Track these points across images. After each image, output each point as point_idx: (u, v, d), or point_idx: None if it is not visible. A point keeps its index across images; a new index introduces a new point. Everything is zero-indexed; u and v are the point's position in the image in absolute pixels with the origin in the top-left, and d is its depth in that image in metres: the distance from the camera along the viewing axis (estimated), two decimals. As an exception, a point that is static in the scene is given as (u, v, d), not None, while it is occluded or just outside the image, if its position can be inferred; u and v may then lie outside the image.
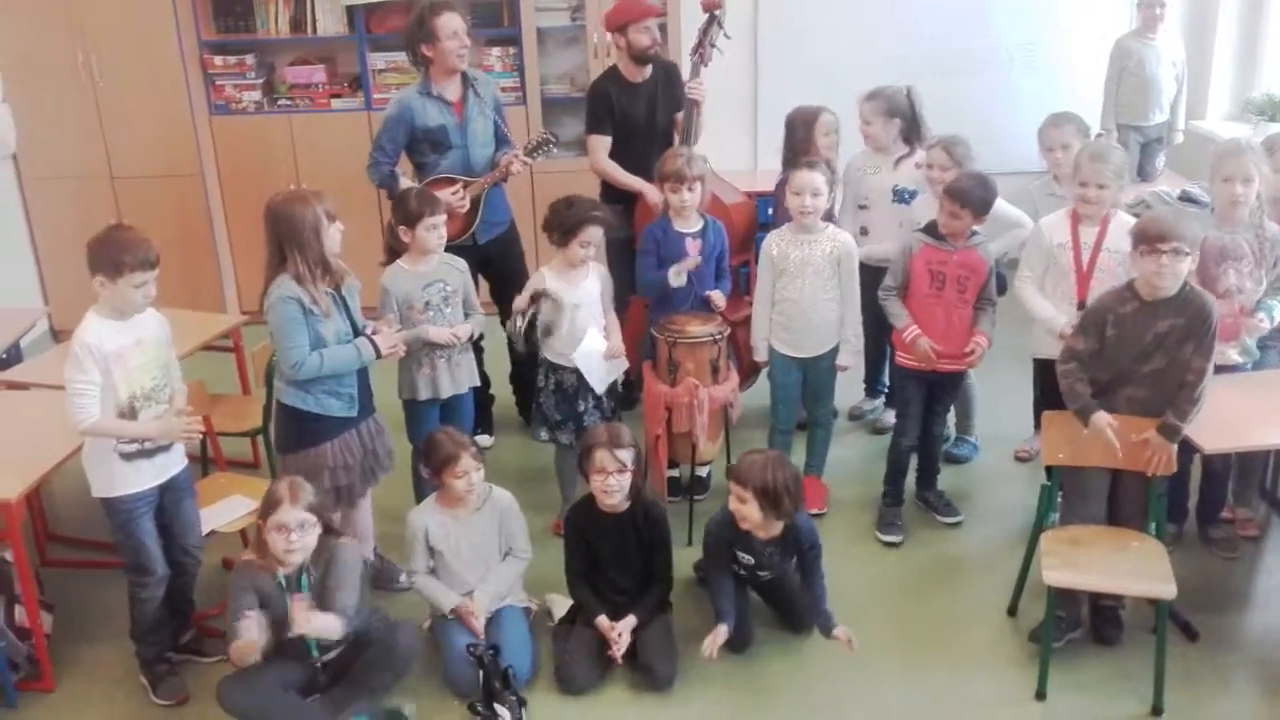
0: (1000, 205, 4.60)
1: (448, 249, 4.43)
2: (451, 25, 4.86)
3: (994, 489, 4.95)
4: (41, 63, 6.34)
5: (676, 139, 5.20)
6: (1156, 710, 3.62)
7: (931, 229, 4.41)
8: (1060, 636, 3.87)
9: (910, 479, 4.74)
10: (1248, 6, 6.92)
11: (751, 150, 7.14)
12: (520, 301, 4.42)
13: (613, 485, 3.84)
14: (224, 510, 4.11)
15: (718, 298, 4.66)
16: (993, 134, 6.06)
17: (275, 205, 3.75)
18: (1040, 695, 3.71)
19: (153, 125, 6.52)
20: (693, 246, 4.58)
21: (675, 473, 4.84)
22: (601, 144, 5.19)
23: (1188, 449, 3.87)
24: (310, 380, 3.80)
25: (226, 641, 3.51)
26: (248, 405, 4.92)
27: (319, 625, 3.48)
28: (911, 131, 5.01)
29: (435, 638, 3.95)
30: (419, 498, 4.28)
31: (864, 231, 5.02)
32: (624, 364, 4.57)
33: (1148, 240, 3.60)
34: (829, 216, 4.70)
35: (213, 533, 4.02)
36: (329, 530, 3.58)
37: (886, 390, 5.49)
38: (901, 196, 4.97)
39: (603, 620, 3.85)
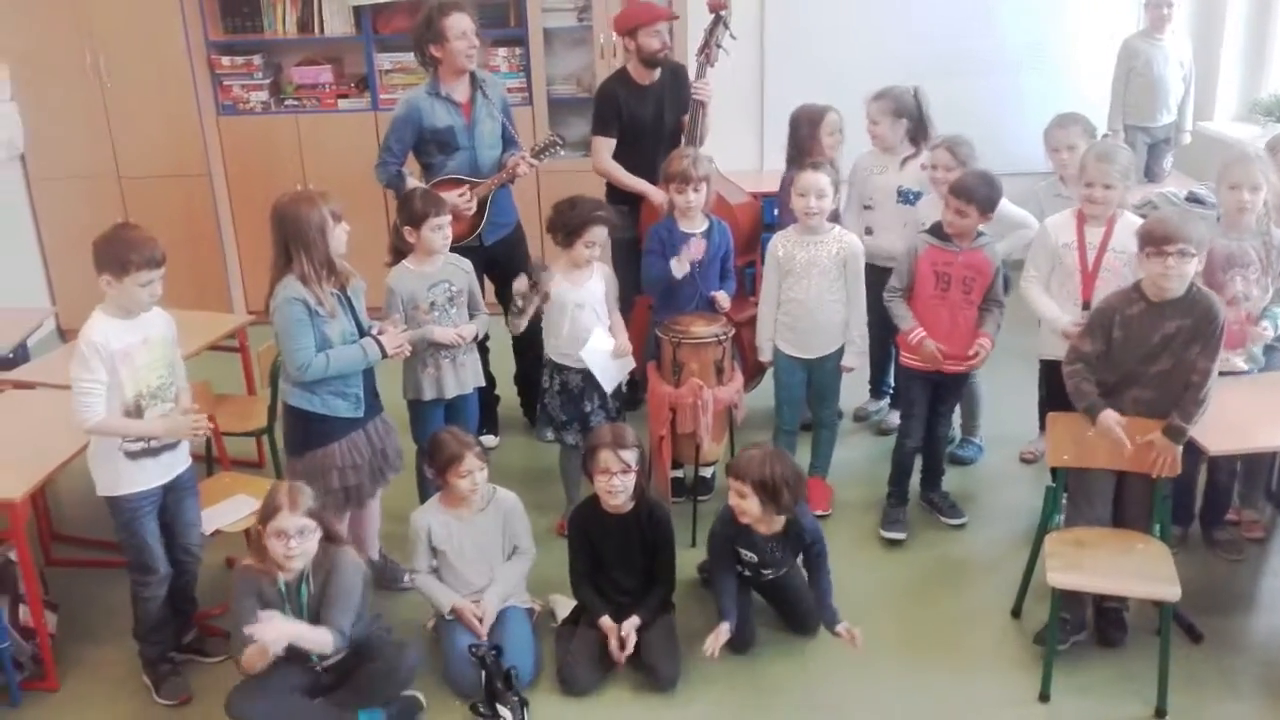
0: (1006, 206, 4.60)
1: (455, 250, 4.44)
2: (460, 25, 4.86)
3: (999, 490, 4.94)
4: (49, 63, 6.37)
5: (684, 141, 5.20)
6: (1160, 712, 3.61)
7: (937, 230, 4.41)
8: (1065, 639, 3.86)
9: (915, 480, 4.74)
10: (1255, 7, 6.90)
11: (758, 151, 7.14)
12: (520, 284, 4.40)
13: (617, 486, 3.84)
14: (228, 510, 4.12)
15: (723, 298, 4.66)
16: (1000, 135, 6.06)
17: (281, 206, 3.75)
18: (1044, 697, 3.70)
19: (160, 125, 6.54)
20: (698, 247, 4.58)
21: (679, 473, 4.83)
22: (605, 145, 5.20)
23: (1195, 451, 3.86)
24: (316, 381, 3.80)
25: (233, 651, 3.48)
26: (253, 405, 4.93)
27: (312, 641, 3.44)
28: (918, 132, 5.00)
29: (438, 638, 3.96)
30: (423, 498, 4.29)
31: (869, 232, 5.01)
32: (631, 363, 4.57)
33: (1154, 242, 3.59)
34: (834, 217, 4.69)
35: (217, 532, 4.03)
36: (330, 537, 3.55)
37: (891, 391, 5.48)
38: (907, 197, 4.97)
39: (606, 621, 3.84)
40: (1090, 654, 3.89)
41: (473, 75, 5.02)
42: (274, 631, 3.35)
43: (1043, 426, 4.48)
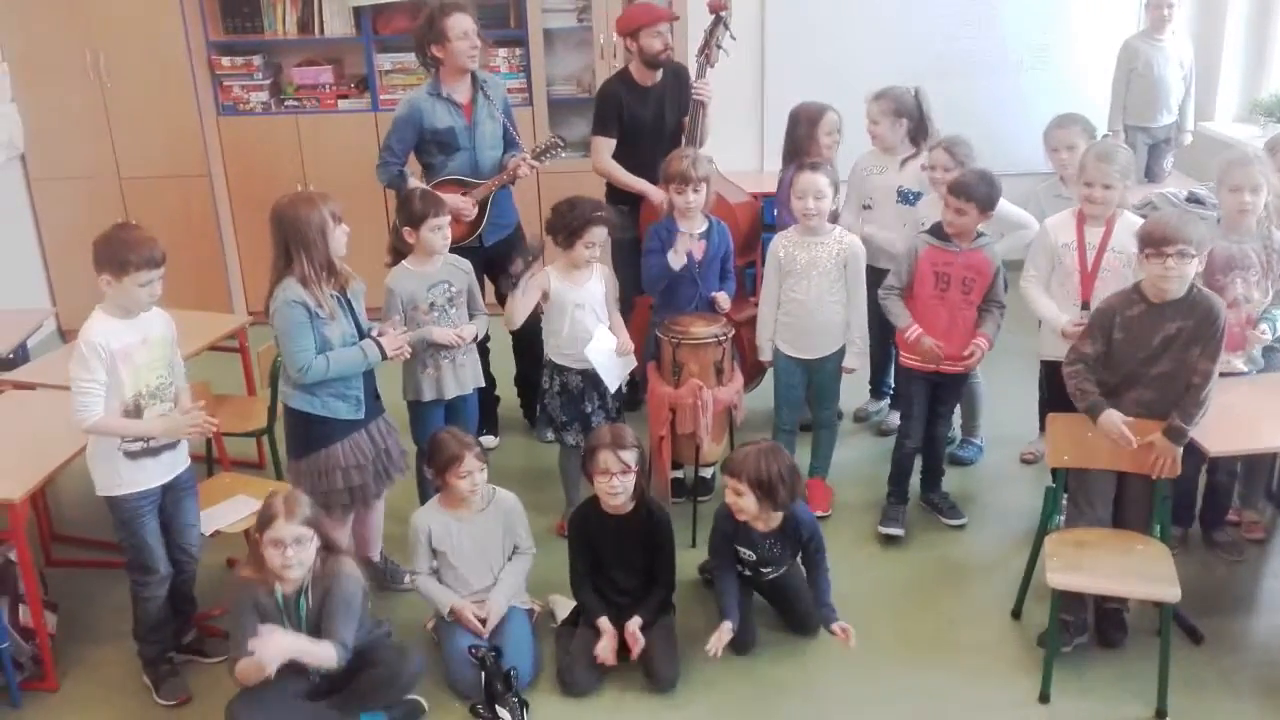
0: (1005, 206, 4.60)
1: (455, 251, 4.44)
2: (462, 26, 4.86)
3: (999, 491, 4.94)
4: (49, 63, 6.36)
5: (684, 141, 5.20)
6: (1160, 713, 3.61)
7: (937, 230, 4.41)
8: (1068, 641, 3.86)
9: (915, 481, 4.74)
10: (1256, 8, 6.90)
11: (758, 151, 7.13)
12: (516, 266, 4.39)
13: (616, 486, 3.84)
14: (228, 510, 4.11)
15: (723, 299, 4.66)
16: (1000, 135, 6.07)
17: (281, 207, 3.75)
18: (1044, 698, 3.70)
19: (160, 126, 6.53)
20: (697, 248, 4.58)
21: (679, 474, 4.84)
22: (605, 146, 5.20)
23: (1195, 453, 3.85)
24: (316, 383, 3.80)
25: (231, 660, 3.43)
26: (253, 406, 4.92)
27: (315, 655, 3.40)
28: (919, 132, 5.00)
29: (437, 638, 3.96)
30: (423, 498, 4.28)
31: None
32: (633, 361, 4.57)
33: (1153, 243, 3.59)
34: (834, 218, 4.69)
35: (217, 533, 4.02)
36: (328, 547, 3.50)
37: (891, 392, 5.48)
38: (906, 197, 4.97)
39: (604, 623, 3.84)
40: (1090, 655, 3.89)
41: (474, 76, 5.02)
42: (274, 647, 3.31)
43: (1043, 427, 4.48)
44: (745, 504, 3.76)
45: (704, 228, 4.64)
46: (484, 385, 4.64)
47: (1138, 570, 3.66)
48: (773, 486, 3.70)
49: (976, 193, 4.27)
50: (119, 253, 3.46)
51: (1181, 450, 3.72)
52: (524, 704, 3.68)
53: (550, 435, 4.57)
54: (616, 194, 5.22)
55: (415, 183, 4.98)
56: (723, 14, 5.22)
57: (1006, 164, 4.98)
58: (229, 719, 3.45)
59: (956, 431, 5.13)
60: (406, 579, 4.16)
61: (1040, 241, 4.39)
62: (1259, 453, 4.32)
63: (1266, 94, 6.80)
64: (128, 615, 3.85)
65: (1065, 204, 4.53)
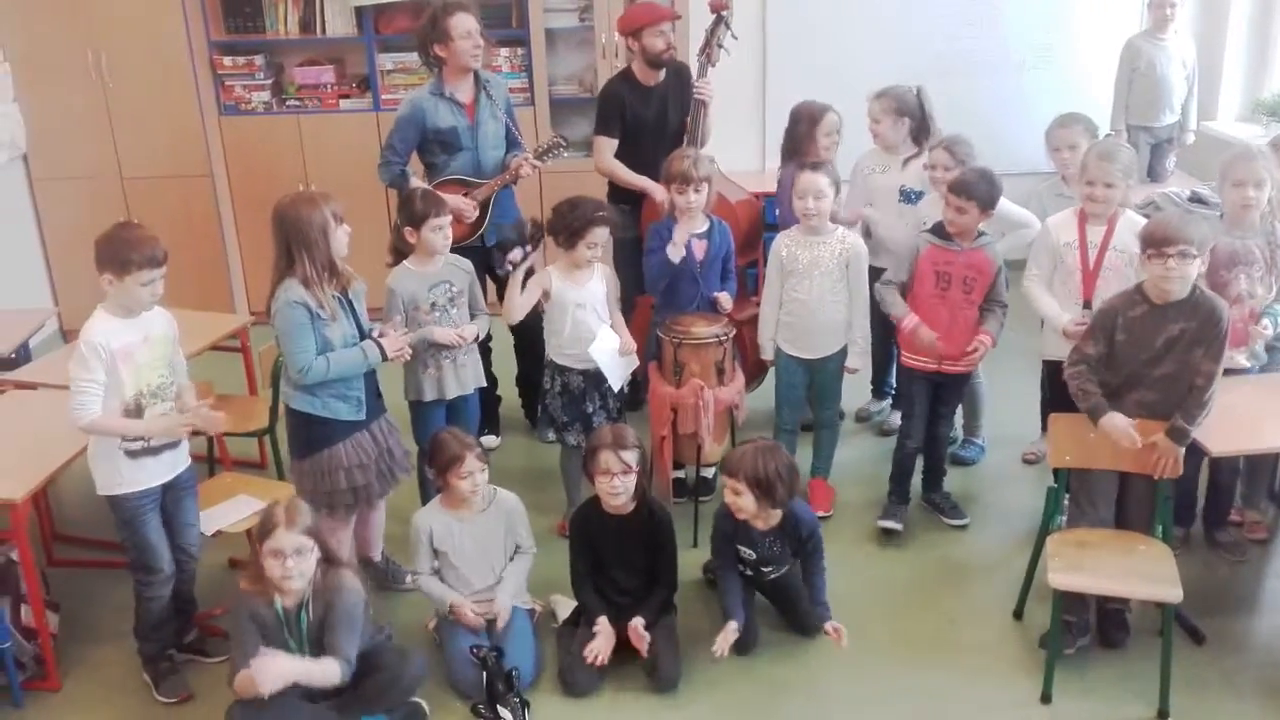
0: (1008, 206, 4.60)
1: (457, 251, 4.44)
2: (465, 25, 4.86)
3: (1001, 491, 4.93)
4: (51, 63, 6.36)
5: (685, 141, 5.20)
6: (1162, 714, 3.61)
7: (939, 230, 4.40)
8: (1071, 643, 3.85)
9: (917, 481, 4.74)
10: (1258, 7, 6.89)
11: (760, 151, 7.12)
12: (515, 255, 4.39)
13: (617, 487, 3.84)
14: (229, 510, 4.11)
15: (725, 299, 4.66)
16: (1003, 135, 6.08)
17: (283, 207, 3.74)
18: (1046, 698, 3.70)
19: (162, 125, 6.53)
20: (698, 247, 4.58)
21: (680, 474, 4.84)
22: (608, 145, 5.20)
23: (1196, 452, 3.85)
24: (317, 384, 3.79)
25: (231, 671, 3.40)
26: (254, 405, 4.92)
27: (318, 676, 3.38)
28: (920, 132, 4.99)
29: (439, 639, 3.96)
30: (425, 498, 4.28)
31: (868, 233, 5.00)
32: (635, 361, 4.57)
33: (1154, 244, 3.59)
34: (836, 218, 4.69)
35: (218, 532, 4.02)
36: (329, 559, 3.46)
37: (893, 392, 5.48)
38: (908, 196, 4.96)
39: (603, 623, 3.84)
40: (1092, 655, 3.89)
41: (477, 76, 5.02)
42: (274, 671, 3.27)
43: (1045, 427, 4.47)
44: (744, 503, 3.76)
45: (705, 227, 4.64)
46: (485, 385, 4.64)
47: (1140, 571, 3.66)
48: (770, 485, 3.70)
49: (977, 191, 4.27)
50: (121, 252, 3.46)
51: (1183, 450, 3.72)
52: (525, 704, 3.68)
53: (551, 435, 4.57)
54: (618, 193, 5.22)
55: (417, 182, 4.97)
56: (724, 13, 5.22)
57: (1009, 163, 4.97)
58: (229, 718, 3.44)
59: (958, 431, 5.12)
60: (408, 579, 4.16)
61: (1042, 240, 4.39)
62: (1261, 453, 4.31)
63: (1269, 93, 6.80)
64: (129, 615, 3.85)
65: (1067, 203, 4.52)
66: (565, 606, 4.11)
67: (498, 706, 3.63)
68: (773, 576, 3.97)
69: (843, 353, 4.63)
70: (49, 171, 6.60)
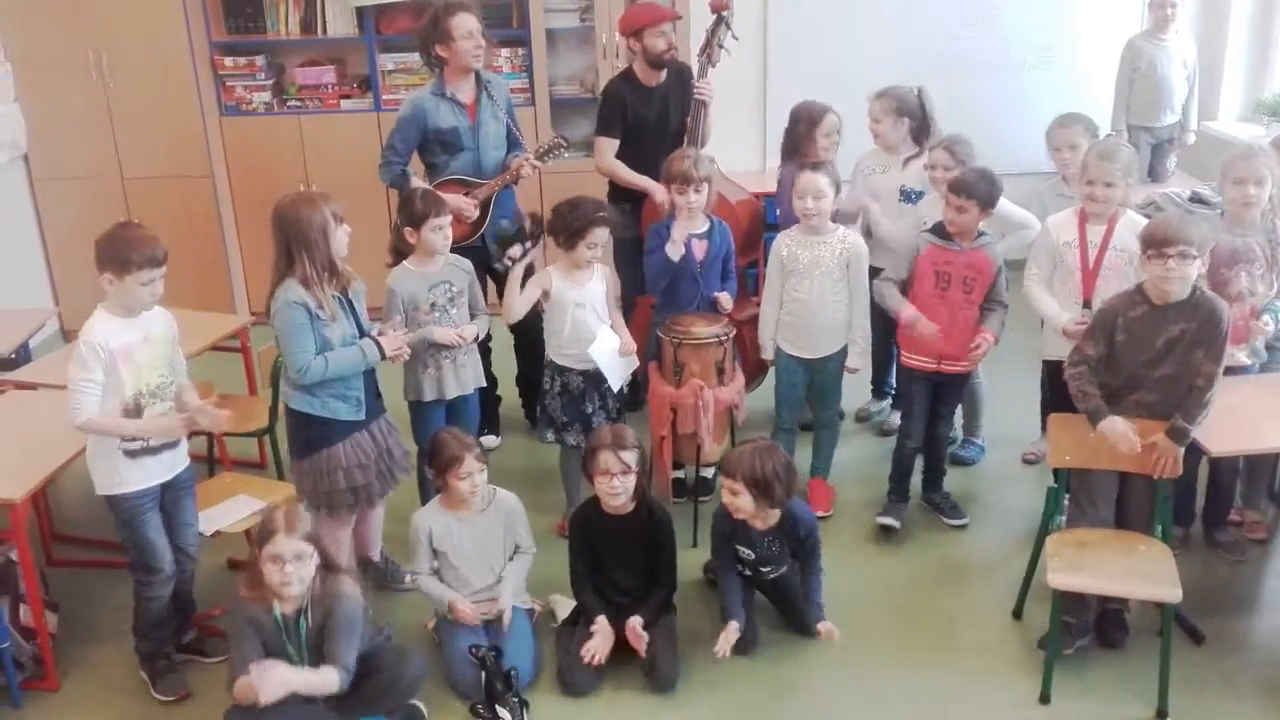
0: (1008, 207, 4.60)
1: (458, 251, 4.44)
2: (466, 25, 4.86)
3: (1000, 491, 4.93)
4: (52, 63, 6.36)
5: (685, 141, 5.20)
6: (1162, 714, 3.60)
7: (939, 229, 4.40)
8: (1071, 644, 3.85)
9: (916, 480, 4.73)
10: (1259, 7, 6.89)
11: (760, 151, 7.12)
12: (514, 250, 4.40)
13: (617, 487, 3.84)
14: (229, 510, 4.12)
15: (725, 300, 4.66)
16: (1004, 135, 6.08)
17: (282, 208, 3.74)
18: (1044, 698, 3.70)
19: (163, 126, 6.53)
20: (699, 247, 4.58)
21: (680, 474, 4.83)
22: (609, 146, 5.20)
23: (1195, 451, 3.85)
24: (316, 384, 3.79)
25: (228, 680, 3.38)
26: (254, 405, 4.92)
27: (317, 686, 3.36)
28: (921, 131, 4.99)
29: (438, 639, 3.96)
30: (424, 498, 4.28)
31: (868, 233, 5.00)
32: (635, 361, 4.57)
33: (1154, 244, 3.58)
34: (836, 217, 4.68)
35: (217, 533, 4.03)
36: (328, 566, 3.44)
37: (893, 391, 5.47)
38: (909, 196, 4.96)
39: (602, 623, 3.84)
40: (1091, 655, 3.89)
41: (478, 76, 5.02)
42: (274, 682, 3.26)
43: (1045, 427, 4.47)
44: (741, 503, 3.76)
45: (705, 227, 4.63)
46: (485, 385, 4.64)
47: (1139, 570, 3.65)
48: (768, 484, 3.71)
49: (977, 190, 4.27)
50: (121, 251, 3.47)
51: (1183, 450, 3.71)
52: (524, 704, 3.68)
53: (551, 436, 4.57)
54: (619, 193, 5.22)
55: (418, 182, 4.97)
56: (724, 13, 5.22)
57: (1009, 163, 4.97)
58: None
59: (958, 431, 5.12)
60: (408, 579, 4.16)
61: (1042, 240, 4.39)
62: (1261, 453, 4.31)
63: (1270, 93, 6.80)
64: (128, 615, 3.85)
65: (1068, 203, 4.52)
66: (564, 606, 4.11)
67: (496, 706, 3.63)
68: (772, 576, 3.97)
69: (843, 352, 4.63)
70: (49, 171, 6.60)
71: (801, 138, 4.97)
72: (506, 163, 5.04)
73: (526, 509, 4.08)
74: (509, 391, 5.45)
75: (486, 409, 5.01)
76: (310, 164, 6.71)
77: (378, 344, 3.89)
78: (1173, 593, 3.54)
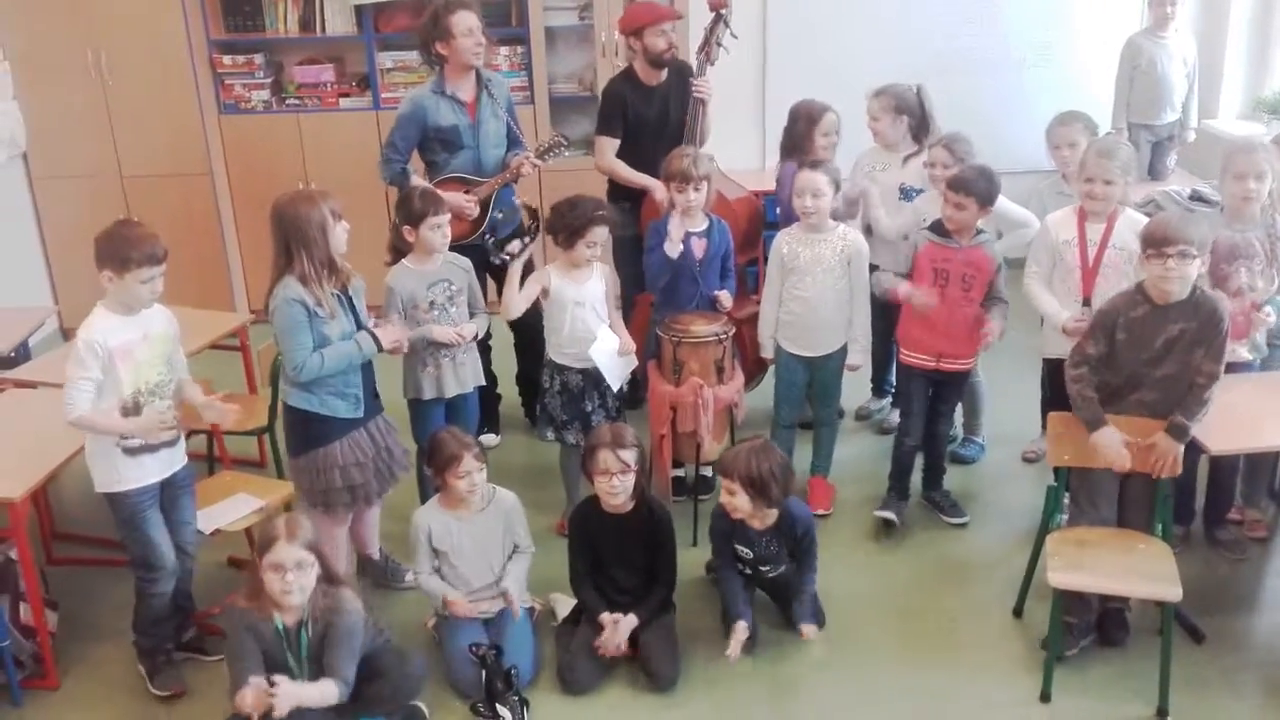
0: (1007, 205, 4.59)
1: (457, 249, 4.43)
2: (467, 23, 4.85)
3: (1001, 489, 4.93)
4: (51, 61, 6.36)
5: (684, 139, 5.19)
6: (1162, 713, 3.60)
7: (938, 227, 4.40)
8: (1073, 644, 3.85)
9: (916, 479, 4.73)
10: (1259, 5, 6.88)
11: (760, 149, 7.11)
12: (513, 246, 4.38)
13: (616, 486, 3.84)
14: (228, 509, 4.12)
15: (725, 298, 4.65)
16: (1003, 133, 6.08)
17: (281, 205, 3.74)
18: (1045, 697, 3.70)
19: (162, 124, 6.53)
20: (698, 246, 4.58)
21: (680, 472, 4.83)
22: (609, 145, 5.19)
23: (1195, 449, 3.85)
24: (315, 381, 3.79)
25: (230, 689, 3.34)
26: (254, 404, 4.91)
27: (317, 700, 3.33)
28: (920, 129, 4.99)
29: (438, 637, 3.96)
30: (424, 497, 4.28)
31: (868, 231, 4.99)
32: (635, 361, 4.57)
33: (1154, 244, 3.58)
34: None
35: (217, 531, 4.02)
36: (329, 578, 3.41)
37: (893, 390, 5.47)
38: (909, 194, 4.96)
39: (605, 616, 3.84)
40: (1092, 654, 3.88)
41: (478, 74, 5.01)
42: (284, 700, 3.23)
43: (1045, 426, 4.46)
44: (739, 502, 3.76)
45: (704, 226, 4.63)
46: (485, 383, 4.64)
47: (1139, 569, 3.65)
48: (765, 484, 3.71)
49: (975, 188, 4.27)
50: (120, 249, 3.47)
51: (1183, 448, 3.71)
52: (524, 702, 3.68)
53: (551, 434, 4.56)
54: (618, 191, 5.22)
55: (418, 181, 4.97)
56: (723, 11, 5.21)
57: (1009, 162, 4.97)
58: None
59: (958, 430, 5.12)
60: (408, 577, 4.16)
61: (1042, 238, 4.38)
62: (1261, 451, 4.31)
63: (1270, 91, 6.79)
64: (129, 613, 3.85)
65: (1068, 201, 4.52)
66: (565, 605, 4.11)
67: (497, 705, 3.63)
68: (771, 575, 3.97)
69: (843, 350, 4.63)
70: (49, 170, 6.60)
71: (801, 136, 4.97)
72: (507, 161, 5.03)
73: (526, 508, 4.07)
74: (509, 390, 5.45)
75: (486, 407, 5.01)
76: (309, 162, 6.70)
77: (374, 336, 3.88)
78: (1173, 591, 3.54)
